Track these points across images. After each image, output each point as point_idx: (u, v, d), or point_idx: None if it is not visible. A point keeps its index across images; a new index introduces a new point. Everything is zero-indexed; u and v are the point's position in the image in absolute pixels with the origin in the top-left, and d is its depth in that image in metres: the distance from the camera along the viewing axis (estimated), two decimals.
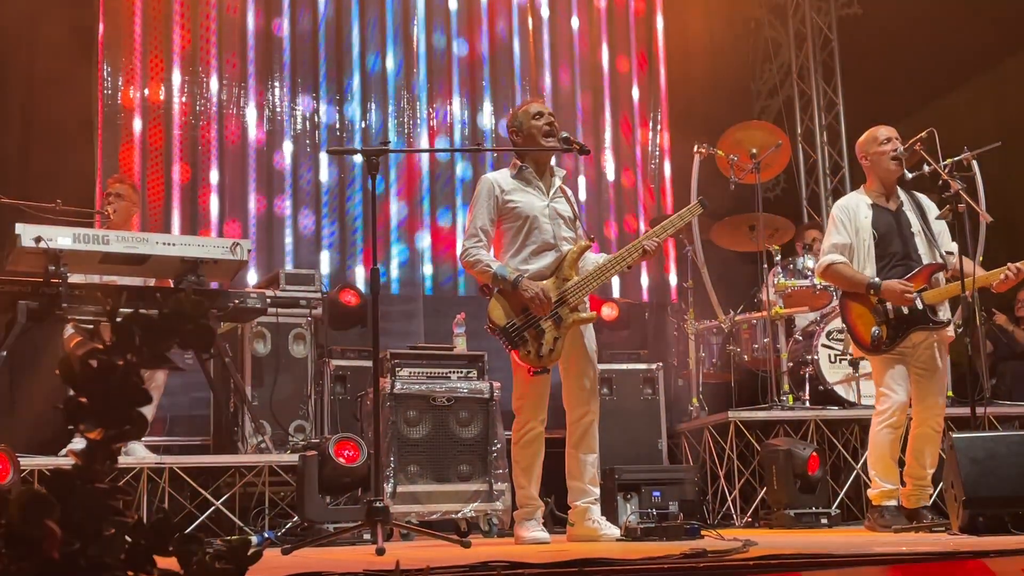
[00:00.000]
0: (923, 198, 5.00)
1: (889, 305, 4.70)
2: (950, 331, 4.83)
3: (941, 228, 4.89)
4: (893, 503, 4.75)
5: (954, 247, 4.83)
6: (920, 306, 4.68)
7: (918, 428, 4.76)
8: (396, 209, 8.00)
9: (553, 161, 4.70)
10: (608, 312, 7.00)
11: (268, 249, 7.63)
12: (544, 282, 4.29)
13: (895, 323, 4.69)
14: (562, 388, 4.48)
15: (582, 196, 8.52)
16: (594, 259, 4.50)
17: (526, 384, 4.34)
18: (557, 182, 4.54)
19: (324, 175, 7.90)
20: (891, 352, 4.71)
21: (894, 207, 4.91)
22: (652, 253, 4.40)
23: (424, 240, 8.03)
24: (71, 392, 1.30)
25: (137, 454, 5.22)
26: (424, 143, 8.13)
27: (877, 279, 4.70)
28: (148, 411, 4.65)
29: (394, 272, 7.92)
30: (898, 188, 4.97)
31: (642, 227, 8.52)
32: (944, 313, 4.79)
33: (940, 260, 4.77)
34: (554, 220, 4.44)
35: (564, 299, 4.28)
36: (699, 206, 4.59)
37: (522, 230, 4.40)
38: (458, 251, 4.47)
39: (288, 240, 7.69)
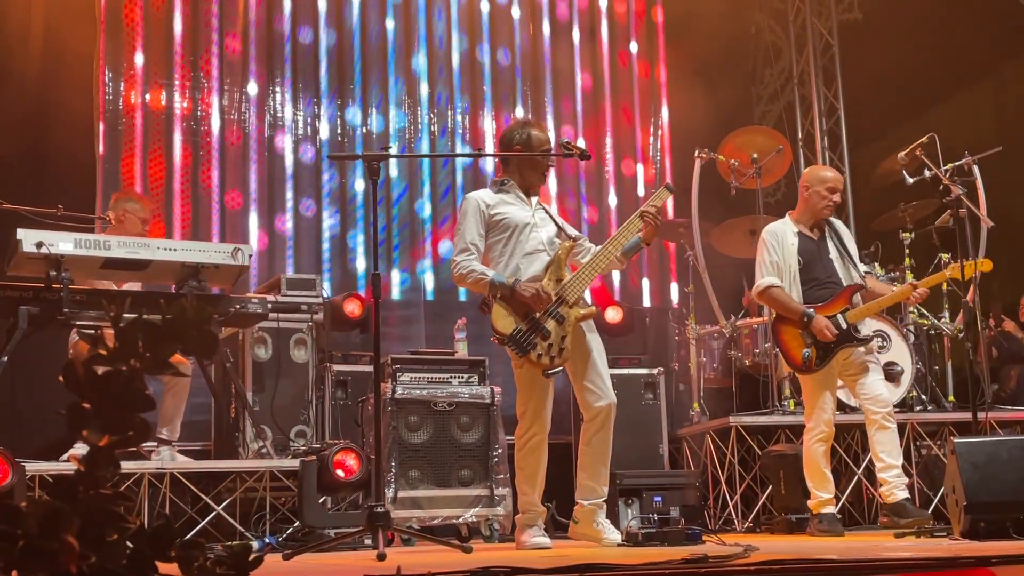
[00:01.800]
0: (838, 224, 5.36)
1: None
2: (873, 345, 5.19)
3: (855, 252, 5.31)
4: (831, 510, 5.05)
5: (864, 269, 5.39)
6: (844, 325, 5.00)
7: (872, 427, 4.98)
8: (400, 212, 8.02)
9: None
10: (612, 315, 6.99)
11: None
12: (540, 283, 4.31)
13: (823, 344, 5.00)
14: (574, 392, 4.48)
15: (582, 199, 8.54)
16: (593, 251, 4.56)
17: (529, 391, 4.35)
18: (535, 199, 4.61)
19: (326, 177, 7.91)
20: (820, 372, 5.01)
21: (817, 236, 5.24)
22: (650, 233, 4.44)
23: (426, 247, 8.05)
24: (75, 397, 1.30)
25: (177, 459, 5.29)
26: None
27: (811, 310, 5.03)
28: (178, 415, 4.70)
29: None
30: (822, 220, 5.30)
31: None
32: (865, 330, 5.13)
33: (859, 281, 5.15)
34: (541, 229, 4.50)
35: (562, 297, 4.31)
36: (665, 190, 4.59)
37: (512, 238, 4.44)
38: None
39: (289, 241, 7.70)
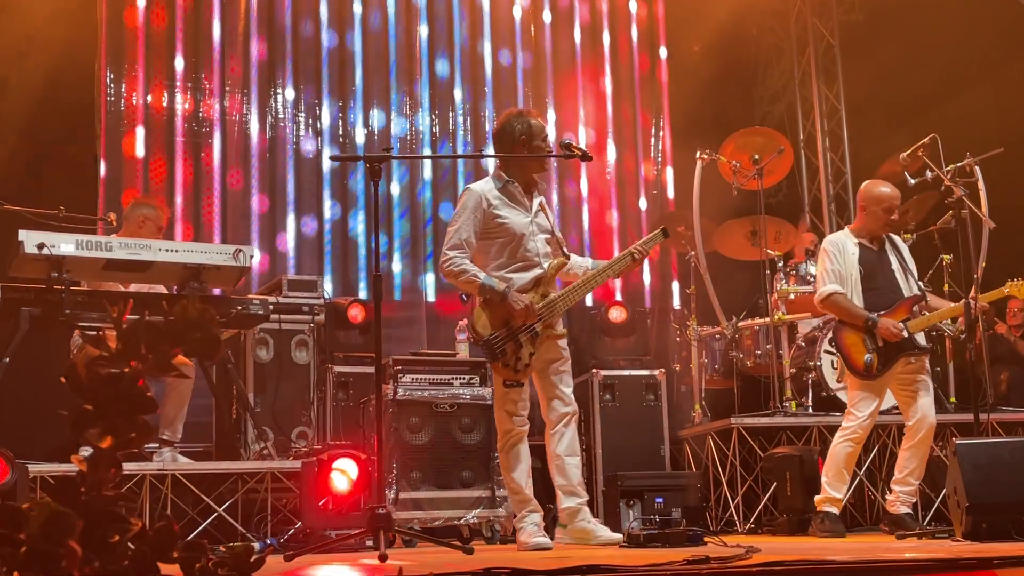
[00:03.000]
0: (898, 239, 5.47)
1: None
2: (927, 363, 5.26)
3: (914, 267, 5.39)
4: (834, 510, 5.15)
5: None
6: (906, 334, 5.08)
7: (910, 442, 5.11)
8: (397, 214, 8.02)
9: None
10: (616, 315, 7.00)
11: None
12: (527, 295, 4.35)
13: (884, 351, 5.09)
14: (539, 398, 4.54)
15: (584, 202, 8.53)
16: (581, 263, 4.65)
17: (503, 396, 4.41)
18: (538, 199, 4.62)
19: (328, 179, 7.91)
20: (877, 380, 5.09)
21: (877, 247, 5.32)
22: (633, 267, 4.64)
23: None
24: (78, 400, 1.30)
25: (179, 461, 5.30)
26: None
27: (874, 315, 5.11)
28: (180, 416, 4.68)
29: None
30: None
31: (643, 235, 8.50)
32: (923, 340, 5.21)
33: (919, 292, 5.24)
34: (537, 237, 4.52)
35: (540, 315, 4.36)
36: (661, 235, 4.74)
37: (507, 246, 4.46)
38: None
39: (291, 245, 7.70)
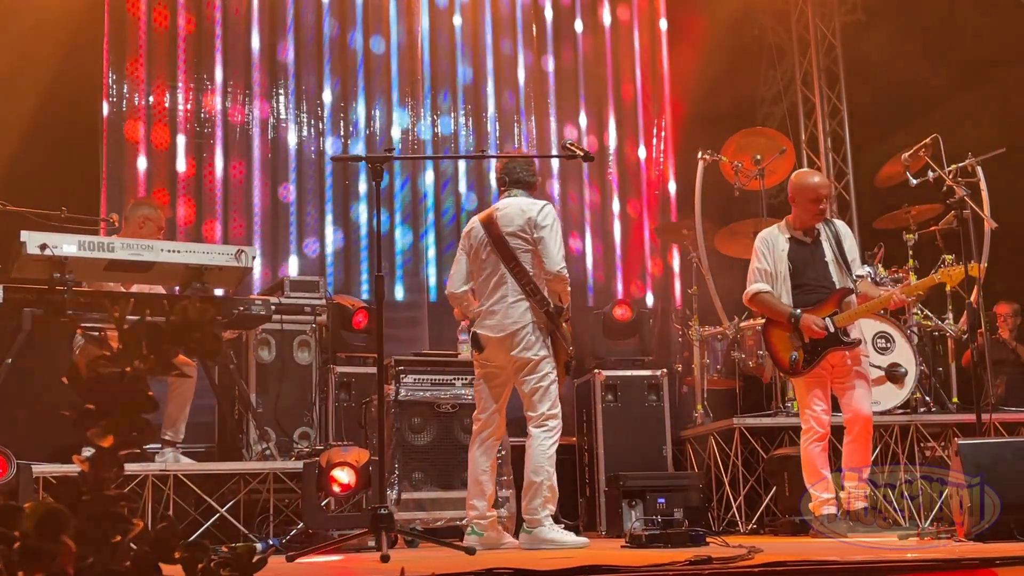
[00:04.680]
0: (839, 225, 5.37)
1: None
2: (863, 349, 5.20)
3: (854, 255, 5.28)
4: (832, 510, 5.10)
5: (864, 271, 5.29)
6: (832, 329, 5.02)
7: (848, 436, 5.09)
8: (398, 216, 8.02)
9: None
10: (621, 312, 7.01)
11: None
12: None
13: (810, 347, 5.06)
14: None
15: (585, 203, 8.53)
16: None
17: (559, 398, 4.75)
18: None
19: (329, 180, 7.92)
20: (809, 374, 5.07)
21: (810, 240, 5.25)
22: None
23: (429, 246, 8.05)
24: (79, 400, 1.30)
25: (181, 461, 5.30)
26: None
27: (798, 311, 5.08)
28: (182, 417, 4.73)
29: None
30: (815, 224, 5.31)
31: (646, 235, 8.52)
32: (855, 333, 5.14)
33: (850, 285, 5.16)
34: None
35: None
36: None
37: None
38: (558, 267, 4.71)
39: (292, 254, 7.70)
